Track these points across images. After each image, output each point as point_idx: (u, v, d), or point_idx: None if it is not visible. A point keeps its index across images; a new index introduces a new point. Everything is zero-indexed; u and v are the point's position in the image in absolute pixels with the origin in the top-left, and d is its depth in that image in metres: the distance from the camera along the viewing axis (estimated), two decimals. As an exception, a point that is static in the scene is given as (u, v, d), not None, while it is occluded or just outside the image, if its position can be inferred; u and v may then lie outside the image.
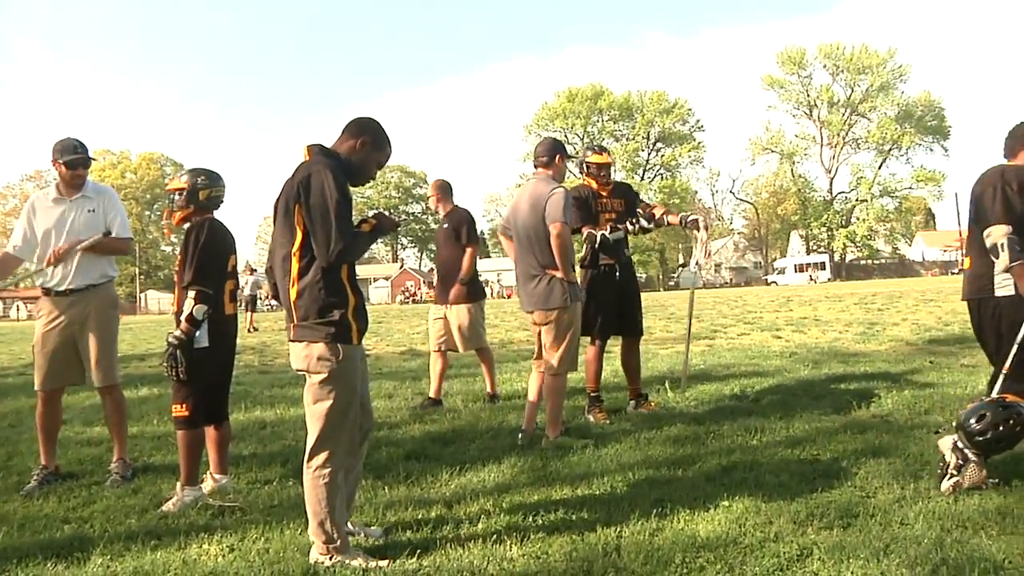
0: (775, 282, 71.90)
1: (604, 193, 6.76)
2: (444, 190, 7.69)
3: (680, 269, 67.14)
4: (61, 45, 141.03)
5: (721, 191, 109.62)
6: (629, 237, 6.82)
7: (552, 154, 5.82)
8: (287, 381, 9.86)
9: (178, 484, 4.68)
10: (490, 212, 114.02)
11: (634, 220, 6.65)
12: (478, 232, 7.60)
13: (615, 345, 7.01)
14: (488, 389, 7.86)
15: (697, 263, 6.55)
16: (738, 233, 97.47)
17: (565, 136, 79.48)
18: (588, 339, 6.82)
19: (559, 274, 5.59)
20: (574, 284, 5.66)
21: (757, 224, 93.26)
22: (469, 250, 7.49)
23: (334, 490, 3.54)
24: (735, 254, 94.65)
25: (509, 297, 71.50)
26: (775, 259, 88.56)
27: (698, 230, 6.68)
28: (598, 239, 6.51)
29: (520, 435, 5.90)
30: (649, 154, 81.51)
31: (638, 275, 7.01)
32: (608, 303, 6.67)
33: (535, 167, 5.88)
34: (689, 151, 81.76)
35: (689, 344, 6.72)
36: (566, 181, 6.11)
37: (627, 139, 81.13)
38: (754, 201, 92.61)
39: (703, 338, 13.79)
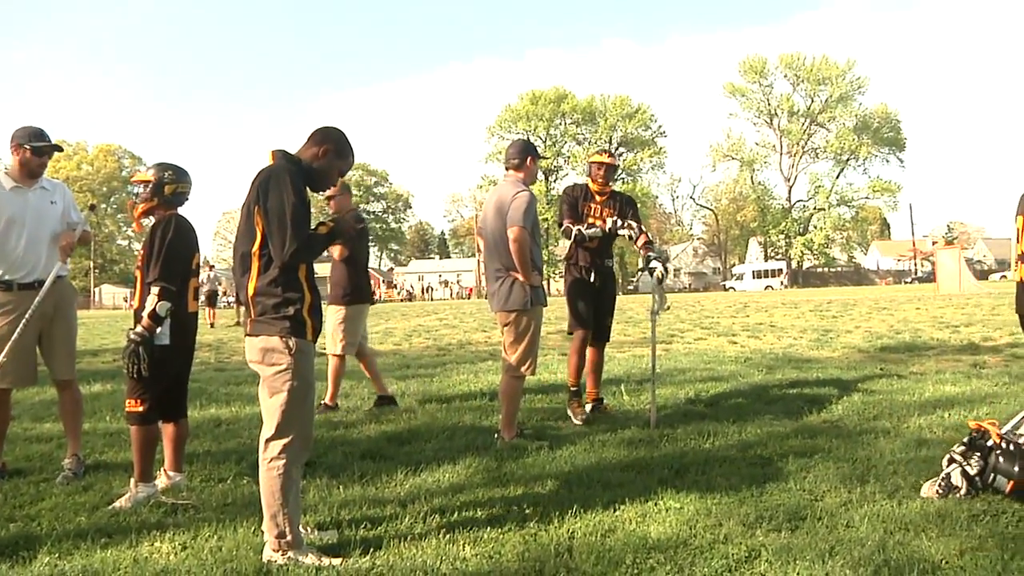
0: (733, 288, 72.55)
1: (599, 197, 6.77)
2: (344, 189, 7.49)
3: (639, 274, 68.48)
4: (14, 33, 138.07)
5: (682, 196, 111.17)
6: (613, 245, 6.82)
7: (523, 156, 5.84)
8: (243, 379, 9.78)
9: (131, 480, 4.63)
10: (451, 212, 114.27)
11: (617, 220, 6.58)
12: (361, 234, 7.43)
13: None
14: (328, 400, 7.41)
15: (654, 312, 6.59)
16: (697, 239, 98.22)
17: (527, 138, 79.95)
18: (572, 335, 6.87)
19: (521, 277, 5.63)
20: (537, 289, 5.69)
21: (716, 230, 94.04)
22: (333, 248, 7.19)
23: (288, 483, 3.57)
24: (694, 259, 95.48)
25: (468, 297, 71.99)
26: (734, 265, 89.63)
27: (653, 278, 6.50)
28: (573, 232, 6.58)
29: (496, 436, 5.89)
30: None
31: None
32: (585, 305, 6.74)
33: (506, 169, 5.91)
34: (651, 156, 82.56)
35: (655, 386, 6.78)
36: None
37: (589, 143, 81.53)
38: (714, 207, 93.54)
39: (660, 342, 13.86)
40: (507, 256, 5.64)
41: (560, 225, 6.75)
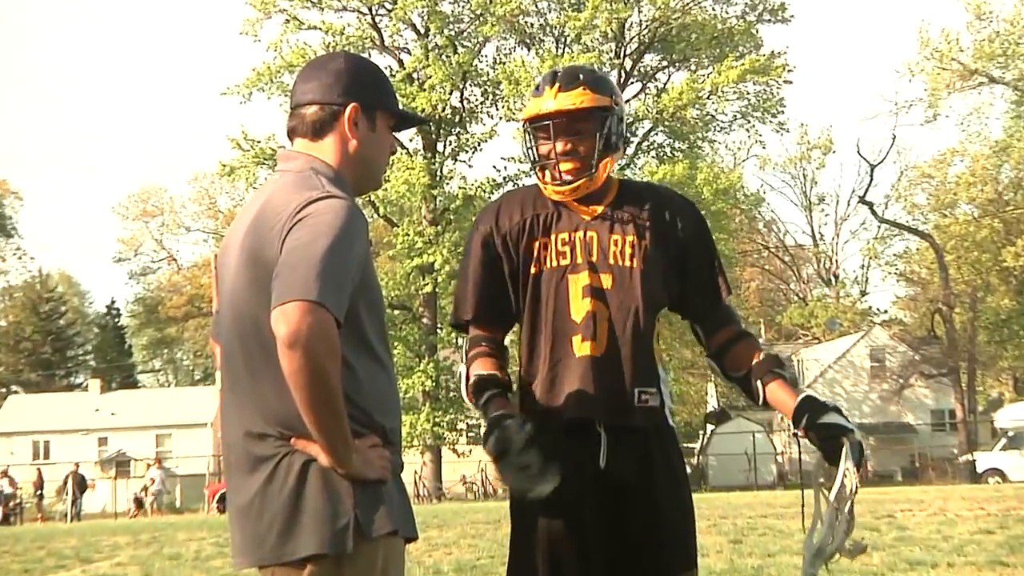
0: (998, 476, 61.28)
1: (584, 213, 5.57)
2: None
3: (713, 421, 66.13)
4: None
5: (829, 195, 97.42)
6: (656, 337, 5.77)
7: (337, 99, 4.74)
8: None
9: None
10: (136, 245, 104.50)
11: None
12: None
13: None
14: None
15: (822, 555, 5.27)
16: (883, 323, 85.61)
17: (371, 42, 66.07)
18: None
19: (321, 456, 4.31)
20: (376, 493, 4.47)
21: (942, 296, 77.35)
22: None
23: None
24: (871, 384, 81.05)
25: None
26: (996, 397, 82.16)
27: (841, 468, 5.31)
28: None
29: None
30: (623, 82, 67.52)
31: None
32: (567, 556, 5.48)
33: (291, 136, 4.77)
34: (744, 77, 66.34)
35: None
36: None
37: (565, 46, 67.47)
38: (929, 224, 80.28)
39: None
40: (279, 395, 4.28)
41: (458, 326, 5.80)
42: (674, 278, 5.42)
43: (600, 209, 5.47)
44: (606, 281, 5.38)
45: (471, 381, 5.39)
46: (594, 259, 5.41)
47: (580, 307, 5.37)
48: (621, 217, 5.49)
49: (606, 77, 5.62)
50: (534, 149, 5.55)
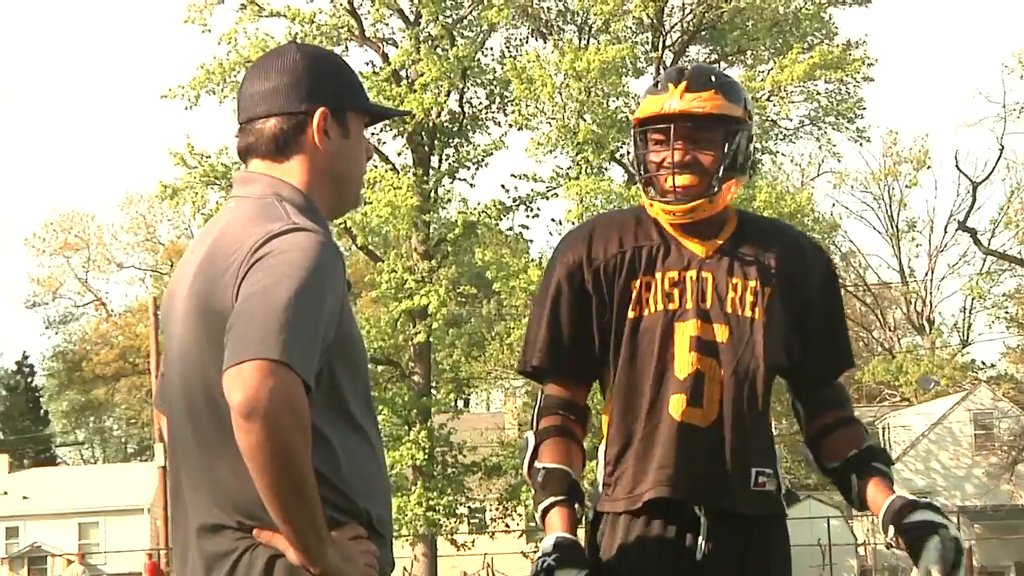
0: None
1: (698, 248, 5.57)
2: None
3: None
4: None
5: (921, 220, 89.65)
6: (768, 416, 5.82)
7: (298, 106, 4.39)
8: None
9: None
10: (49, 286, 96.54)
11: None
12: None
13: None
14: None
15: None
16: (990, 381, 79.60)
17: (348, 32, 60.60)
18: None
19: (290, 551, 3.94)
20: None
21: None
22: None
23: None
24: (976, 458, 74.95)
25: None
26: None
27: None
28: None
29: None
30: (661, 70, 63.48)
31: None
32: None
33: (244, 156, 4.47)
34: (813, 73, 62.03)
35: None
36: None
37: (590, 36, 62.66)
38: None
39: None
40: (237, 476, 4.04)
41: (524, 373, 5.83)
42: (796, 339, 5.46)
43: (718, 244, 5.54)
44: (720, 333, 5.45)
45: (537, 471, 5.28)
46: (706, 305, 5.48)
47: (685, 363, 5.43)
48: (742, 256, 5.55)
49: (739, 85, 5.52)
50: (644, 157, 5.58)
